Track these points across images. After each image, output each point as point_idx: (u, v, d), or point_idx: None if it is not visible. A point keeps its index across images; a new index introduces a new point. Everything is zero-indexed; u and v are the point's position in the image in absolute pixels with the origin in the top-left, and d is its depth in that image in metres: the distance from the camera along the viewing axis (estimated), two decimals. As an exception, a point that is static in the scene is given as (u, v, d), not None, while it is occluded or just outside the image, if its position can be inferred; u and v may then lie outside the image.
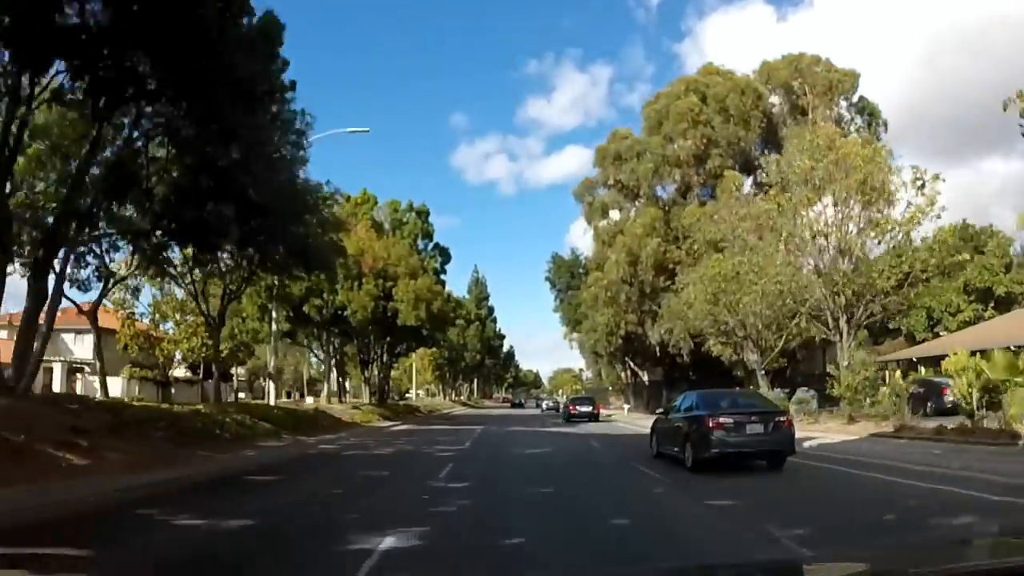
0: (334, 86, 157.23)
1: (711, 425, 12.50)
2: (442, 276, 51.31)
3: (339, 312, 37.22)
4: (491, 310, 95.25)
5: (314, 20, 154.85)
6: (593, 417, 37.34)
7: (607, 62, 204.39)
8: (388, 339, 43.56)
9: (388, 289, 38.02)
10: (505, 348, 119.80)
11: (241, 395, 49.99)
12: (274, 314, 30.44)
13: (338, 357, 45.77)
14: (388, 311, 38.05)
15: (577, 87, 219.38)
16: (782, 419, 13.01)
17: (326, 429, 25.83)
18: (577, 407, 38.52)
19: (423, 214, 52.16)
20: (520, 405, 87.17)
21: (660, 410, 16.60)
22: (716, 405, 13.26)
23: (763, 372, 29.52)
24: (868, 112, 44.19)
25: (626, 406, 53.36)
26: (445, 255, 53.59)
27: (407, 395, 78.03)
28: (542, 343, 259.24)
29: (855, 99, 44.02)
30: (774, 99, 44.73)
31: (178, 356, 40.56)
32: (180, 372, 44.70)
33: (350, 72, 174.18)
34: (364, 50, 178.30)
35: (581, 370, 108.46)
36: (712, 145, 42.06)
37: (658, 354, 44.29)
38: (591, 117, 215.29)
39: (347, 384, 50.47)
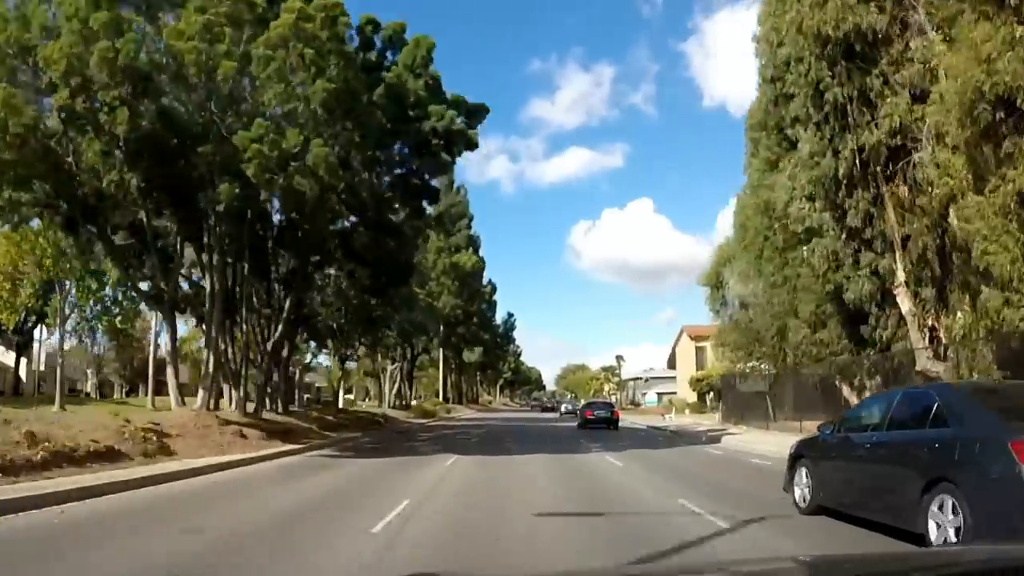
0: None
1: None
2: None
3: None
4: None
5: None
6: (612, 423, 33.74)
7: (611, 61, 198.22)
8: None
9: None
10: (500, 318, 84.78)
11: None
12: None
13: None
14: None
15: (580, 87, 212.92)
16: None
17: None
18: (594, 412, 35.25)
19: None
20: (554, 409, 66.80)
21: (822, 425, 8.74)
22: (1008, 408, 6.01)
23: None
24: None
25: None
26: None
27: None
28: (544, 348, 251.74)
29: None
30: None
31: None
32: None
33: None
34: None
35: (619, 357, 76.09)
36: None
37: None
38: (594, 117, 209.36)
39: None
